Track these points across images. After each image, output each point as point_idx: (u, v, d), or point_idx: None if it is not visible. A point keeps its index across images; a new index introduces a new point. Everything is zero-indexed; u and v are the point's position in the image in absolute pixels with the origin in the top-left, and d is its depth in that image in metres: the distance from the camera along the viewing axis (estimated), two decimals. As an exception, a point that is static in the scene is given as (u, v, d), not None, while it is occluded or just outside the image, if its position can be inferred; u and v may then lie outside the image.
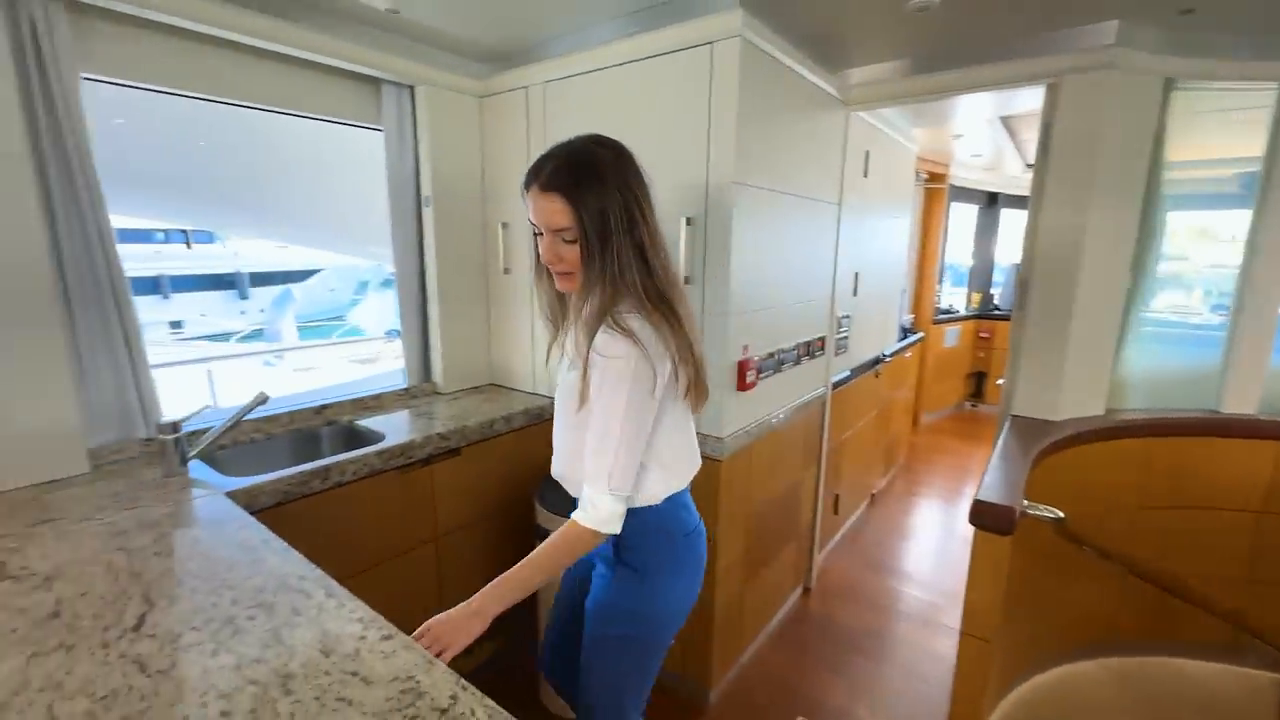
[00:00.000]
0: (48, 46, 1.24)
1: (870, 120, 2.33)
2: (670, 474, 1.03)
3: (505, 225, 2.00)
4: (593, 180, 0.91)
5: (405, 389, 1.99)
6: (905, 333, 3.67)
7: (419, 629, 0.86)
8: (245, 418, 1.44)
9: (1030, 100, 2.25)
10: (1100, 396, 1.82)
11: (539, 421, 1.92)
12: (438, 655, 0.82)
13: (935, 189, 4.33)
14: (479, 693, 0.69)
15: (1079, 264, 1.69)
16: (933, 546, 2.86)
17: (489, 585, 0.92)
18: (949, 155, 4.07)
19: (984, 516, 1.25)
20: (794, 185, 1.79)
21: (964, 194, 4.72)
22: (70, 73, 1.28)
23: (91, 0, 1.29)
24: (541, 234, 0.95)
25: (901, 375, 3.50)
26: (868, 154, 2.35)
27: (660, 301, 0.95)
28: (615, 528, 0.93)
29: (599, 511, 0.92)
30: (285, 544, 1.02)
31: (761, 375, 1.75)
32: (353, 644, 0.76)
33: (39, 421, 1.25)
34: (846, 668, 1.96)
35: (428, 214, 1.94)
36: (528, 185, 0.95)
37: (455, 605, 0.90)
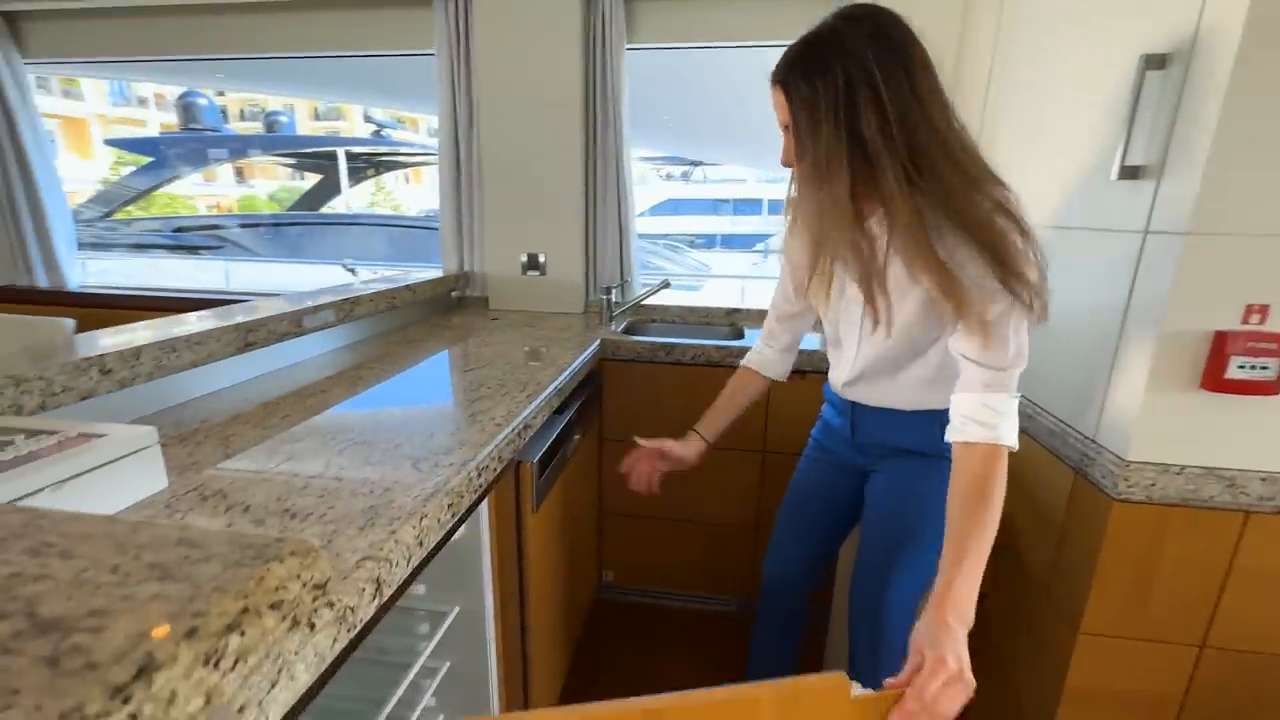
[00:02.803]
0: (609, 28, 1.88)
1: None
2: None
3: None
4: (813, 62, 0.79)
5: (816, 313, 1.98)
6: None
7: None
8: (650, 300, 1.86)
9: None
10: None
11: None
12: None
13: None
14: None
15: None
16: None
17: (956, 583, 0.73)
18: None
19: None
20: None
21: None
22: (619, 46, 1.89)
23: (644, -11, 1.85)
24: None
25: None
26: None
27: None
28: None
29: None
30: (569, 370, 1.36)
31: (1314, 381, 0.82)
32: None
33: (566, 277, 2.04)
34: None
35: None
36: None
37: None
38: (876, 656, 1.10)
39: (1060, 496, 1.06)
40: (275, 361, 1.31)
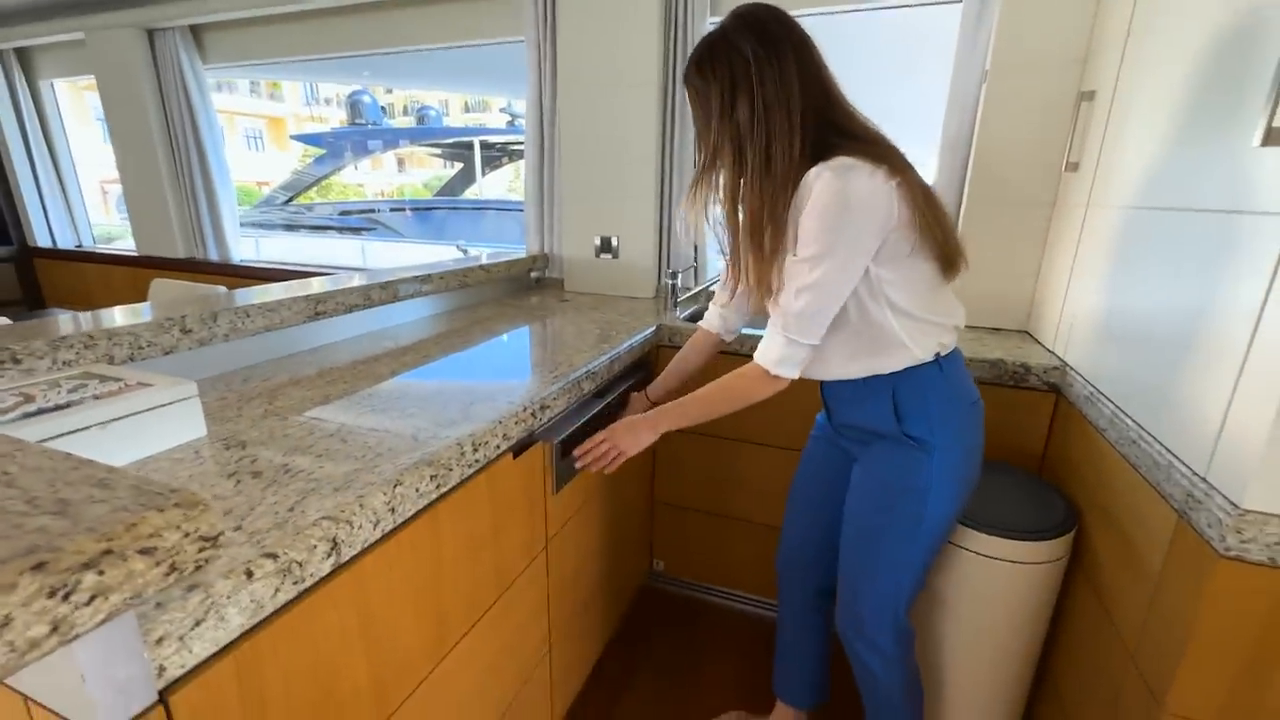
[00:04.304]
0: (690, 2, 1.80)
1: None
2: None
3: (1090, 95, 1.33)
4: (705, 60, 0.90)
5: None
6: None
7: (601, 435, 1.09)
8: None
9: None
10: None
11: (1027, 390, 1.32)
12: (614, 459, 1.08)
13: None
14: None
15: None
16: None
17: (668, 405, 1.08)
18: None
19: None
20: None
21: None
22: (700, 20, 1.82)
23: (733, -43, 1.75)
24: None
25: None
26: None
27: None
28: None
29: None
30: (609, 354, 1.35)
31: None
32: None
33: (638, 260, 2.02)
34: None
35: (982, 92, 1.54)
36: None
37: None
38: (856, 637, 1.09)
39: (1160, 542, 0.86)
40: (352, 329, 1.43)
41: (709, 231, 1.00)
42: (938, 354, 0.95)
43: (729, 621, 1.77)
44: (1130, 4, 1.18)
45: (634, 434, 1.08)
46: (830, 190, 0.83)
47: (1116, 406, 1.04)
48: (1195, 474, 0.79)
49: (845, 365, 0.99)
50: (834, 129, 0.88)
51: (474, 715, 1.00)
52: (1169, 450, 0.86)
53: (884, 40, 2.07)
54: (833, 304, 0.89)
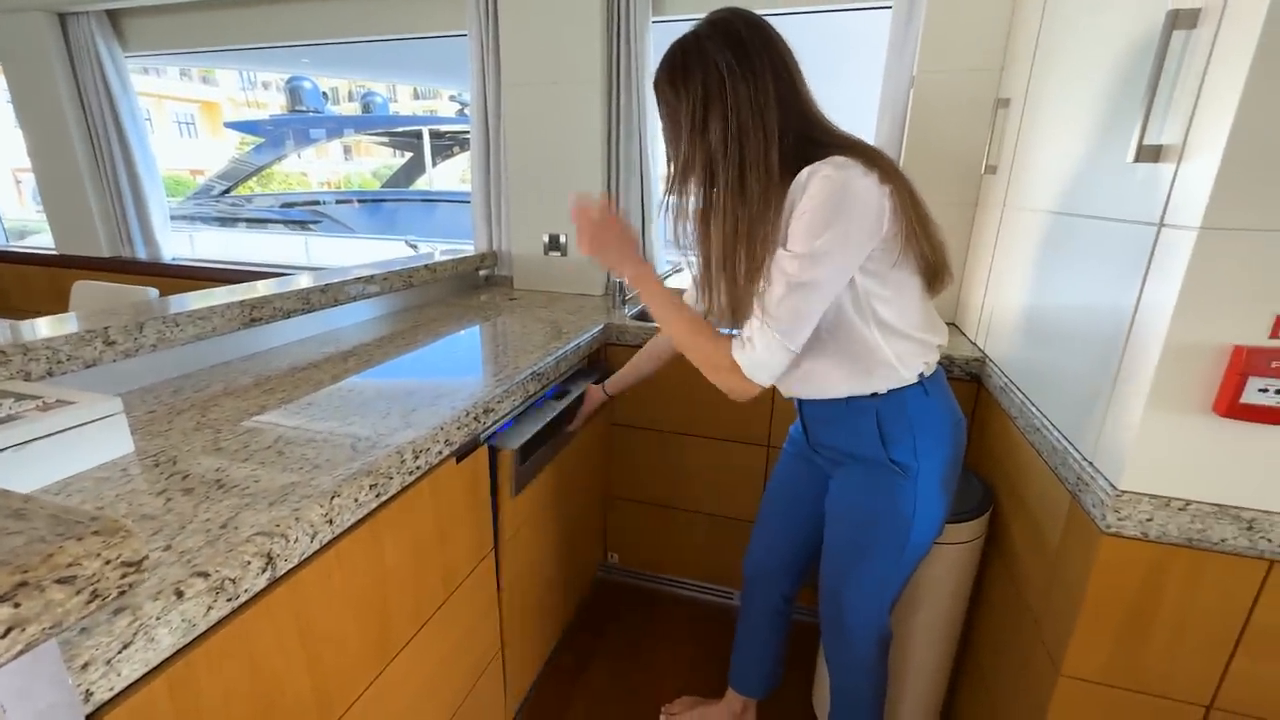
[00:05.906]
0: (631, 1, 1.81)
1: None
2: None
3: (1005, 103, 1.41)
4: (678, 71, 0.86)
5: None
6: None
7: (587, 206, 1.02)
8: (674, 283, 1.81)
9: None
10: None
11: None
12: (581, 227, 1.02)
13: None
14: (392, 453, 0.86)
15: None
16: None
17: (652, 279, 1.00)
18: None
19: None
20: None
21: None
22: (643, 18, 1.83)
23: (674, -44, 1.77)
24: None
25: None
26: None
27: None
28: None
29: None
30: (556, 354, 1.36)
31: (1365, 413, 0.67)
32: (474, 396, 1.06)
33: (586, 258, 2.03)
34: None
35: (910, 97, 1.62)
36: None
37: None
38: (839, 647, 1.13)
39: (1057, 521, 0.94)
40: (292, 334, 1.41)
41: (659, 225, 0.99)
42: (921, 374, 0.94)
43: (680, 609, 1.83)
44: (1038, 20, 1.26)
45: (606, 241, 1.02)
46: (828, 185, 0.79)
47: (1025, 395, 1.12)
48: (1084, 458, 0.87)
49: (828, 384, 0.96)
50: (814, 146, 0.84)
51: (426, 714, 1.02)
52: (1065, 437, 0.94)
53: (820, 43, 2.13)
54: (820, 304, 0.84)
